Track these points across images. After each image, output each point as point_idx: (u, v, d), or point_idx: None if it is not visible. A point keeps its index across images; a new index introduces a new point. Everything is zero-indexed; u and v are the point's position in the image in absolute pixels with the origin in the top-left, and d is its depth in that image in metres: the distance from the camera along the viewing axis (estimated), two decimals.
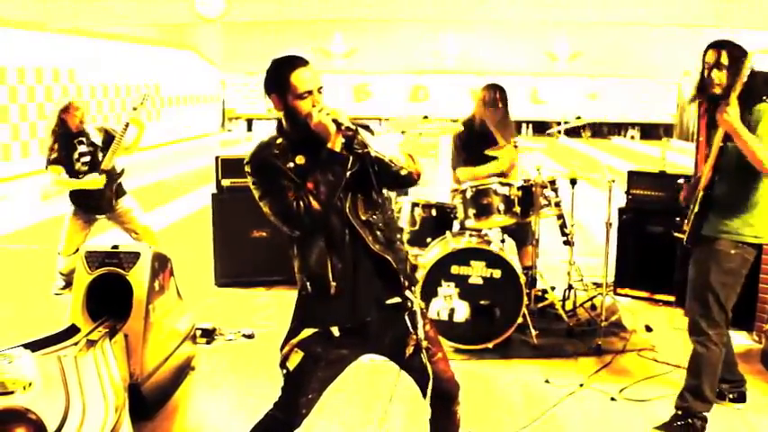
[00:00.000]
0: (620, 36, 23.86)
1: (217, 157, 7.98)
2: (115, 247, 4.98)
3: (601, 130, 29.47)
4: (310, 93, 3.31)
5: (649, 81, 28.96)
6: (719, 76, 4.36)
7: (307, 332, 3.39)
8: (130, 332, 4.74)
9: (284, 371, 3.45)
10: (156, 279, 5.01)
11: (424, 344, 3.47)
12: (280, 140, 3.37)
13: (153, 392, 4.84)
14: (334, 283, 3.34)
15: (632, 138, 29.60)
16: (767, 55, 5.83)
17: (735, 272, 4.51)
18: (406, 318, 3.47)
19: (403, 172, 3.43)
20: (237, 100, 30.22)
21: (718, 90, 4.38)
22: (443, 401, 3.64)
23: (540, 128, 26.10)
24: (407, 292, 3.50)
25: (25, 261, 9.16)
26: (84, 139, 7.15)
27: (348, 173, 3.28)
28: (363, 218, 3.41)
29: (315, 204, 3.20)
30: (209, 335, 6.23)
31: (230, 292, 7.59)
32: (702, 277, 4.54)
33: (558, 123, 7.49)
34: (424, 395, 3.51)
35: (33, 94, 16.78)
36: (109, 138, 7.24)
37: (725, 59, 4.35)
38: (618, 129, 30.21)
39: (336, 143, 3.25)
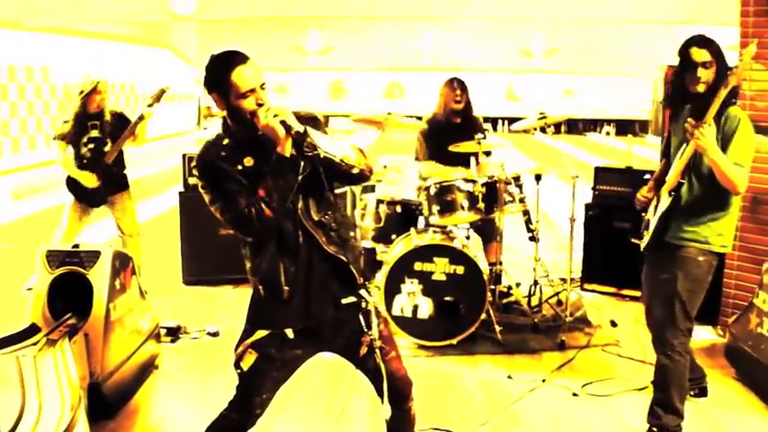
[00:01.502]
0: (595, 33, 23.88)
1: (184, 155, 7.98)
2: (76, 246, 4.96)
3: (576, 126, 29.57)
4: (253, 91, 3.24)
5: (625, 78, 29.06)
6: (707, 75, 4.22)
7: (260, 333, 3.38)
8: (91, 331, 4.72)
9: (238, 371, 3.44)
10: (116, 278, 5.00)
11: (378, 343, 3.46)
12: (226, 141, 3.32)
13: (114, 391, 4.83)
14: (286, 288, 3.33)
15: (607, 134, 29.75)
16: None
17: (701, 280, 4.40)
18: (360, 317, 3.47)
19: (355, 170, 3.39)
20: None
21: (702, 88, 4.24)
22: (397, 399, 3.64)
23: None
24: (362, 291, 3.49)
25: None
26: (97, 123, 7.06)
27: (299, 177, 3.25)
28: (316, 219, 3.39)
29: (267, 211, 3.16)
30: (173, 333, 6.22)
31: (197, 290, 7.59)
32: (668, 286, 4.40)
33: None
34: (380, 395, 3.52)
35: (6, 92, 16.66)
36: (119, 124, 7.16)
37: (712, 57, 4.24)
38: (593, 125, 30.33)
39: (286, 147, 3.20)
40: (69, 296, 4.85)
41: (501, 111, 28.63)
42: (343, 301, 3.46)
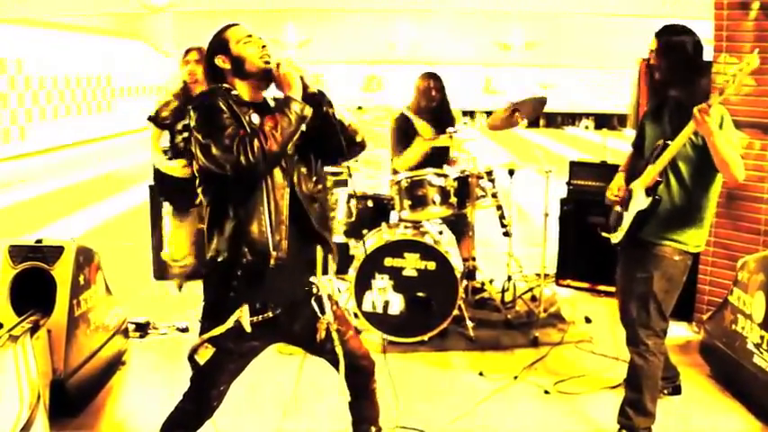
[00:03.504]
0: (573, 26, 23.86)
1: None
2: (39, 241, 4.86)
3: (554, 120, 29.55)
4: (250, 36, 3.31)
5: (602, 71, 29.06)
6: (655, 62, 4.23)
7: (219, 330, 3.29)
8: (54, 327, 4.63)
9: (192, 364, 3.37)
10: (80, 273, 4.90)
11: (335, 326, 3.44)
12: (236, 92, 3.32)
13: (78, 388, 4.74)
14: (274, 253, 3.22)
15: (586, 128, 29.74)
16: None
17: (677, 279, 4.35)
18: (313, 302, 3.43)
19: (358, 137, 3.46)
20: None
21: (656, 76, 4.25)
22: (360, 379, 3.61)
23: None
24: (312, 278, 3.45)
25: None
26: None
27: (304, 126, 3.24)
28: (307, 191, 3.38)
29: (271, 143, 3.09)
30: (142, 329, 6.13)
31: (167, 285, 7.44)
32: (643, 284, 4.34)
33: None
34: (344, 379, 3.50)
35: None
36: None
37: (659, 44, 4.24)
38: (571, 119, 30.31)
39: (297, 92, 3.23)
40: (32, 292, 4.75)
41: (479, 104, 28.58)
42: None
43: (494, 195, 6.36)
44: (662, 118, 4.40)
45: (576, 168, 7.54)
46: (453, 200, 6.13)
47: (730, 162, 4.01)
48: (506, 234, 6.59)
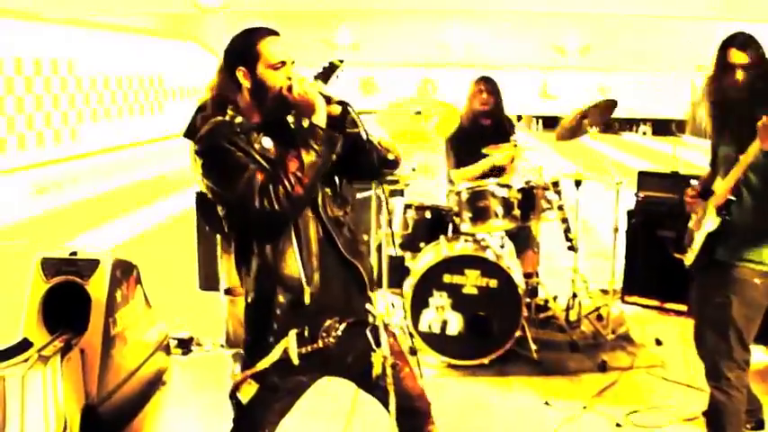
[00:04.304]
0: (630, 29, 23.49)
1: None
2: (73, 253, 4.55)
3: (611, 126, 28.93)
4: (284, 64, 2.89)
5: (661, 76, 28.43)
6: (746, 78, 3.80)
7: (264, 363, 2.93)
8: (88, 347, 4.31)
9: (234, 401, 3.00)
10: (118, 288, 4.58)
11: (390, 360, 3.04)
12: (239, 119, 2.90)
13: (112, 414, 4.42)
14: (308, 289, 2.87)
15: (644, 134, 29.09)
16: None
17: (758, 303, 3.93)
18: (368, 333, 3.04)
19: (390, 156, 3.06)
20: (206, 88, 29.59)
21: (742, 94, 3.83)
22: (415, 421, 3.20)
23: (551, 123, 25.76)
24: (368, 305, 3.07)
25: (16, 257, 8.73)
26: None
27: (335, 154, 2.86)
28: (334, 215, 2.99)
29: (297, 188, 2.73)
30: (185, 345, 5.80)
31: (213, 297, 7.08)
32: (721, 311, 3.92)
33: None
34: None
35: (31, 85, 16.41)
36: None
37: (752, 59, 3.81)
38: (629, 124, 29.66)
39: (321, 118, 2.83)
40: (66, 308, 4.44)
41: (535, 109, 28.13)
42: (351, 318, 3.03)
43: (560, 208, 5.94)
44: (731, 132, 4.00)
45: (645, 179, 7.09)
46: (517, 212, 5.73)
47: None
48: (572, 249, 6.15)
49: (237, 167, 2.75)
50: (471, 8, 19.37)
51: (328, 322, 2.96)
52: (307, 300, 2.86)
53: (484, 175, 6.10)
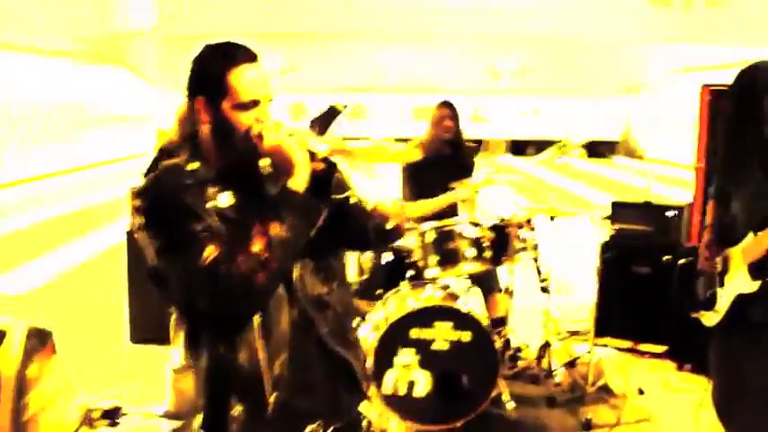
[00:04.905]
0: (563, 52, 23.50)
1: (131, 188, 6.74)
2: None
3: (543, 148, 28.73)
4: (257, 103, 2.21)
5: (594, 98, 28.41)
6: None
7: None
8: None
9: None
10: (29, 363, 3.84)
11: None
12: (193, 165, 2.21)
13: None
14: (272, 398, 2.23)
15: (578, 156, 28.90)
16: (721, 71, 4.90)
17: None
18: None
19: (389, 224, 2.44)
20: (174, 118, 28.68)
21: None
22: None
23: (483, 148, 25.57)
24: (361, 406, 2.46)
25: None
26: None
27: (315, 228, 2.19)
28: (316, 294, 2.34)
29: (261, 277, 2.07)
30: (111, 416, 5.03)
31: (146, 351, 6.35)
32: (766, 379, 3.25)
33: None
34: None
35: None
36: None
37: None
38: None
39: (300, 180, 2.15)
40: None
41: (467, 133, 27.87)
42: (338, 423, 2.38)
43: (535, 248, 5.35)
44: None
45: (619, 210, 6.56)
46: (489, 254, 5.11)
47: None
48: (544, 290, 5.59)
49: (181, 238, 2.09)
50: (407, 32, 19.02)
51: (309, 429, 2.30)
52: (269, 408, 2.21)
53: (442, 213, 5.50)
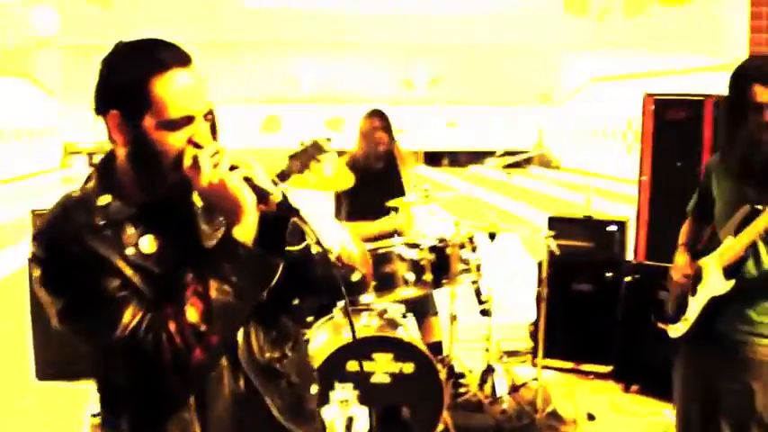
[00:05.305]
0: (478, 62, 23.53)
1: (32, 212, 6.15)
2: None
3: (457, 159, 28.64)
4: (191, 120, 1.73)
5: (508, 107, 28.51)
6: None
7: None
8: None
9: None
10: None
11: None
12: (105, 200, 1.74)
13: None
14: None
15: (494, 167, 28.94)
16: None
17: None
18: None
19: (355, 276, 2.00)
20: (79, 132, 27.49)
21: None
22: None
23: None
24: None
25: None
26: None
27: (267, 287, 1.75)
28: (264, 361, 1.91)
29: (197, 353, 1.65)
30: None
31: (54, 388, 5.79)
32: (740, 403, 3.06)
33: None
34: None
35: None
36: None
37: None
38: (478, 157, 29.47)
39: (247, 229, 1.69)
40: None
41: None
42: None
43: (478, 268, 4.99)
44: (743, 174, 3.14)
45: (557, 225, 6.26)
46: (429, 277, 4.71)
47: None
48: (484, 313, 5.23)
49: (90, 299, 1.64)
50: (320, 40, 18.71)
51: None
52: None
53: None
